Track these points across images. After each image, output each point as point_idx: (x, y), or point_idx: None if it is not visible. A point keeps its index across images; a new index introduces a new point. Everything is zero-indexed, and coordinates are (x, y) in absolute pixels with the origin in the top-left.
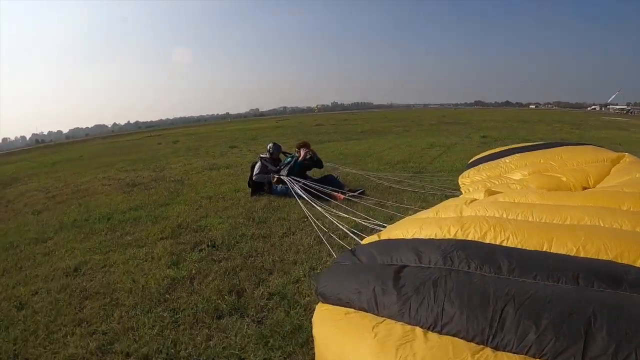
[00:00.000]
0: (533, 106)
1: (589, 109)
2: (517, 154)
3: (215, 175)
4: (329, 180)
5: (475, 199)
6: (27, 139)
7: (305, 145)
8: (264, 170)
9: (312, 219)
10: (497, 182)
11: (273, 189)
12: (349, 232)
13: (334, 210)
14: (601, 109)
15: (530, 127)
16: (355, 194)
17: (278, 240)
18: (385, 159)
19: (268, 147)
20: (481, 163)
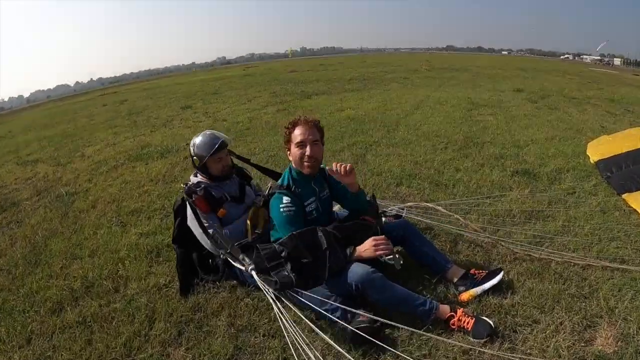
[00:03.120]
0: (505, 52)
1: (561, 57)
2: None
3: (137, 177)
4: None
5: None
6: None
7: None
8: (215, 234)
9: None
10: None
11: (241, 277)
12: None
13: None
14: (574, 58)
15: (543, 77)
16: (490, 285)
17: None
18: (431, 132)
19: (192, 146)
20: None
